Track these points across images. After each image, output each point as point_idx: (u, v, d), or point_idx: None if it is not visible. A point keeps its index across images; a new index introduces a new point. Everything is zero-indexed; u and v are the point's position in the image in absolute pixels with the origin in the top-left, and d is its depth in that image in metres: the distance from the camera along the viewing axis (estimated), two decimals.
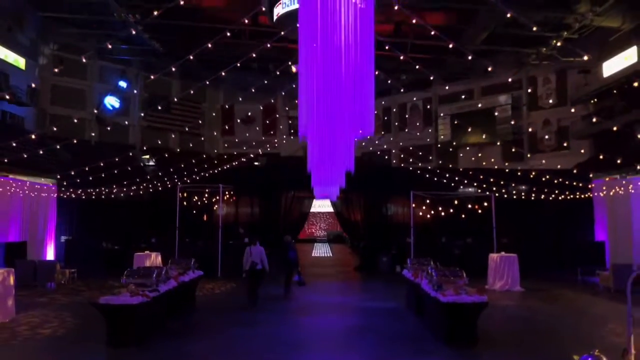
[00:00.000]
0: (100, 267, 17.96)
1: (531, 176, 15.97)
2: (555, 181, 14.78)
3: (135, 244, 19.19)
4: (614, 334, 8.81)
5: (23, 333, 8.88)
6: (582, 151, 34.20)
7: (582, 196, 15.22)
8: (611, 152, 31.65)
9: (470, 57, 26.52)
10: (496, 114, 40.16)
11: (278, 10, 21.69)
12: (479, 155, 39.96)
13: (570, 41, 31.47)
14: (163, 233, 17.82)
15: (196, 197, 17.74)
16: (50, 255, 17.65)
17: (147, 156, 43.04)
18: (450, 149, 41.33)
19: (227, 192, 17.90)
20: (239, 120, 48.75)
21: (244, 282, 12.80)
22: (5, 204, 15.33)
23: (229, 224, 18.31)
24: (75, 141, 20.39)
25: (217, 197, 17.49)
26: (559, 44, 30.23)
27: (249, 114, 48.54)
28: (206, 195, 17.71)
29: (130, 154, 32.58)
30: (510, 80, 37.21)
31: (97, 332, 8.41)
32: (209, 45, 14.64)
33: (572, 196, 14.92)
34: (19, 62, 34.61)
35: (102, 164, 14.80)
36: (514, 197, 15.56)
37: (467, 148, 41.13)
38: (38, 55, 37.03)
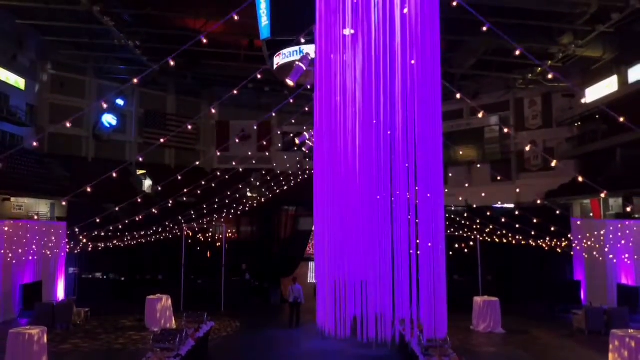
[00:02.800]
0: (108, 298, 18.87)
1: (515, 214, 17.12)
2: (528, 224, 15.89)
3: (141, 276, 20.24)
4: None
5: None
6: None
7: (561, 242, 16.43)
8: (595, 173, 33.28)
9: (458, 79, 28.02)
10: (483, 131, 41.58)
11: (278, 60, 22.81)
12: (469, 174, 41.33)
13: (554, 68, 33.00)
14: (170, 270, 18.88)
15: (200, 235, 18.83)
16: (61, 289, 18.59)
17: (143, 171, 44.00)
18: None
19: (229, 231, 19.05)
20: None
21: (286, 311, 16.64)
22: (22, 247, 16.32)
23: (231, 252, 19.30)
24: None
25: (221, 235, 18.63)
26: (549, 66, 31.64)
27: (244, 130, 49.54)
28: (210, 233, 18.83)
29: (129, 160, 33.55)
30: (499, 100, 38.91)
31: None
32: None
33: (551, 243, 16.10)
34: (19, 83, 35.36)
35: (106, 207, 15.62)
36: (496, 240, 16.76)
37: (457, 167, 42.39)
38: (37, 76, 37.74)
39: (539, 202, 21.99)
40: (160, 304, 14.95)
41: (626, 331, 10.37)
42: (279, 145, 48.59)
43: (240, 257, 20.05)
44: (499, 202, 38.28)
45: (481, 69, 36.29)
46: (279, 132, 48.43)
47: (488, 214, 16.14)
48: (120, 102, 43.02)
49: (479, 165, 37.58)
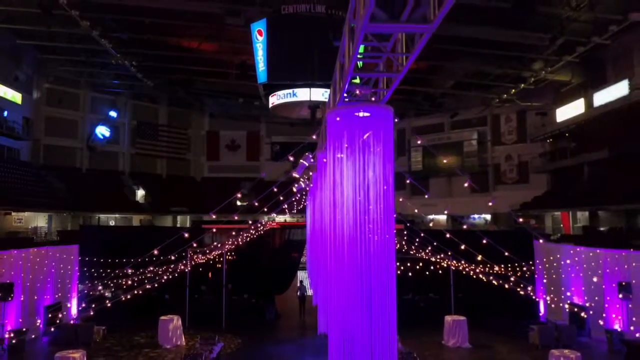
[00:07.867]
0: (119, 315, 20.41)
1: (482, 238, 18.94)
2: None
3: (146, 292, 22.05)
4: None
5: None
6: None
7: (525, 270, 18.55)
8: (565, 187, 35.79)
9: (439, 98, 29.87)
10: (462, 145, 43.93)
11: (273, 100, 24.62)
12: (449, 185, 43.75)
13: (527, 90, 35.60)
14: (175, 289, 20.77)
15: (203, 257, 20.77)
16: (74, 306, 20.38)
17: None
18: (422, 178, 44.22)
19: (228, 254, 21.08)
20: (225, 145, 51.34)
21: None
22: (43, 271, 18.18)
23: (230, 270, 21.22)
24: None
25: (222, 258, 20.65)
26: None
27: (234, 139, 51.30)
28: (212, 255, 20.77)
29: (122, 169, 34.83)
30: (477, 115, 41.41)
31: None
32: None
33: (514, 273, 18.20)
34: (16, 97, 36.29)
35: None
36: (467, 268, 18.84)
37: (438, 178, 44.70)
38: (33, 90, 38.77)
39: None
40: (172, 324, 16.89)
41: (562, 351, 12.71)
42: (269, 155, 50.53)
43: (237, 274, 21.71)
44: (475, 215, 40.81)
45: (460, 89, 38.78)
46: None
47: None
48: (113, 114, 44.43)
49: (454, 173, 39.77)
